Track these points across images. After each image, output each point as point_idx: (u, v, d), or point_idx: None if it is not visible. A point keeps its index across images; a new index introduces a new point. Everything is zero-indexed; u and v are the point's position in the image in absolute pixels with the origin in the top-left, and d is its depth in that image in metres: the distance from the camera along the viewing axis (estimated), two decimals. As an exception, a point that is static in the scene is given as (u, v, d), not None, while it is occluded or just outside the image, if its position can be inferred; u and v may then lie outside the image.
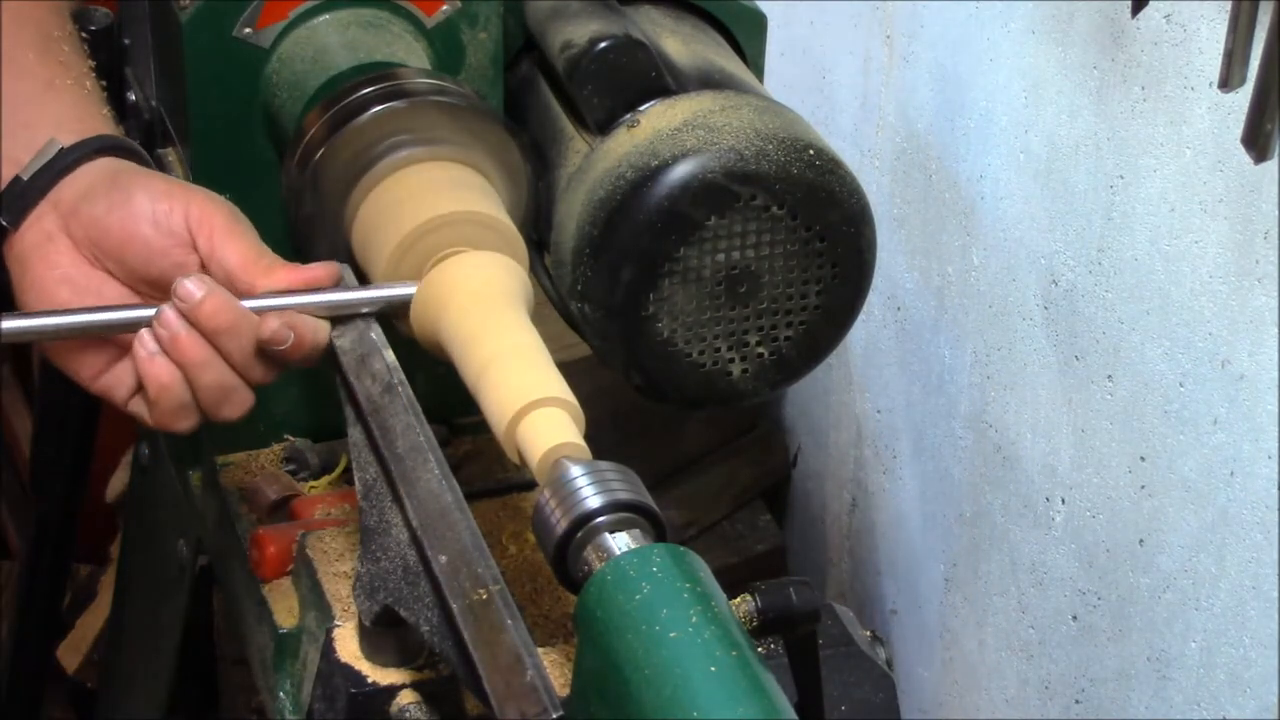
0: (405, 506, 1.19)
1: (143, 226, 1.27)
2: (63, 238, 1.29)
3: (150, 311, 1.25)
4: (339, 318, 1.29)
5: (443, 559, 1.14)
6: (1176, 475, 1.62)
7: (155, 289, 1.29)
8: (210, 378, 1.26)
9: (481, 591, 1.10)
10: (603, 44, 1.45)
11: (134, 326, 1.26)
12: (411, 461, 1.20)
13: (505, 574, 1.12)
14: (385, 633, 1.29)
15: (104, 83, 1.44)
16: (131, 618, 1.94)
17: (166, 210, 1.28)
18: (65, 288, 1.29)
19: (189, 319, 1.24)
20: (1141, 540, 1.68)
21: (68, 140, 1.32)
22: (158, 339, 1.25)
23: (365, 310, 1.29)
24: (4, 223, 1.31)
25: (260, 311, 1.26)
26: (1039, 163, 1.77)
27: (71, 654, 2.56)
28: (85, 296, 1.29)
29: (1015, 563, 1.91)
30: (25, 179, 1.31)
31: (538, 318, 1.30)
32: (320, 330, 1.27)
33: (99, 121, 1.36)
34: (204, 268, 1.27)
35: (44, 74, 1.37)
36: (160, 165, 1.52)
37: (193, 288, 1.24)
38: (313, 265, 1.29)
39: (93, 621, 2.55)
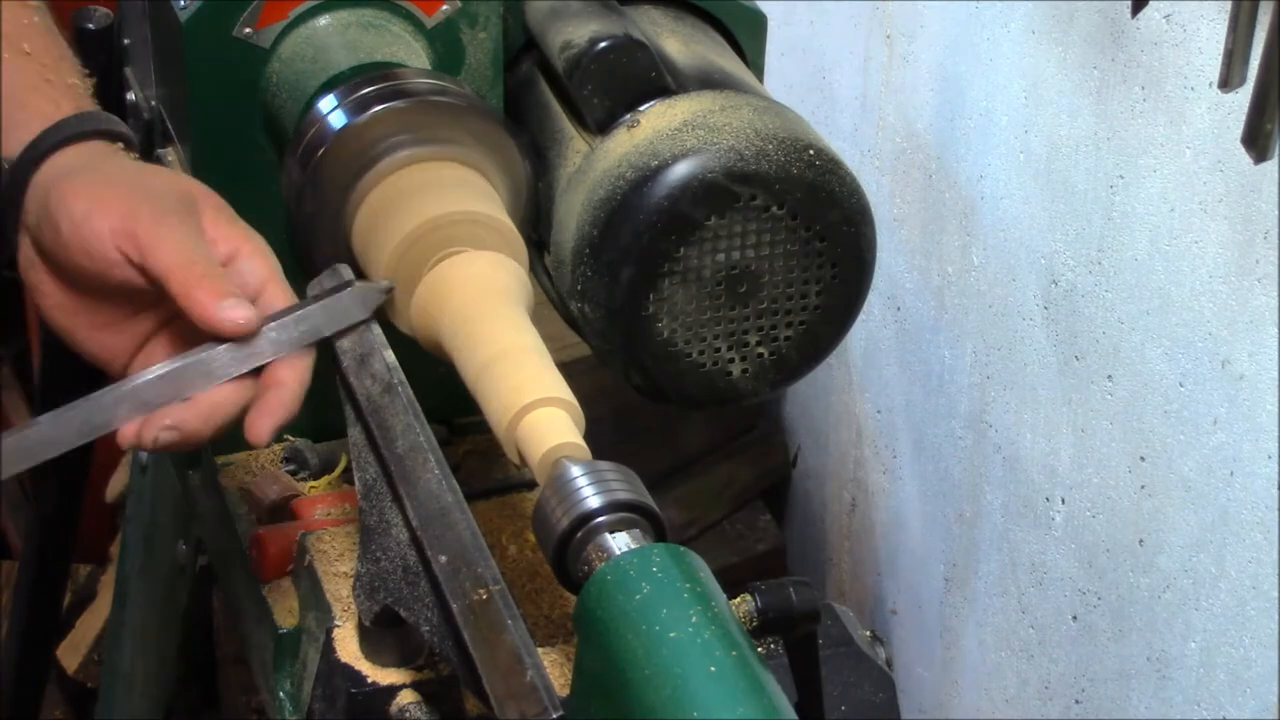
0: (405, 506, 1.19)
1: (76, 258, 1.22)
2: (40, 264, 1.26)
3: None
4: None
5: (443, 559, 1.14)
6: (1176, 475, 1.62)
7: (130, 301, 1.25)
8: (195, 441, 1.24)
9: (481, 591, 1.10)
10: (603, 44, 1.45)
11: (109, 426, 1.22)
12: (411, 461, 1.19)
13: (505, 574, 1.12)
14: (385, 633, 1.29)
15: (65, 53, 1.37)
16: (131, 618, 1.94)
17: (90, 234, 1.21)
18: (59, 313, 1.26)
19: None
20: (1141, 540, 1.68)
21: (15, 142, 1.26)
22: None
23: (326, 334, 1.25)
24: (2, 256, 1.28)
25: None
26: (1039, 163, 1.77)
27: (71, 654, 2.57)
28: (77, 318, 1.26)
29: (1015, 563, 1.91)
30: None
31: (538, 318, 1.30)
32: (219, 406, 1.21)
33: (40, 98, 1.29)
34: (145, 276, 1.22)
35: None
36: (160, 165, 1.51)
37: (169, 439, 1.19)
38: (230, 308, 1.20)
39: (93, 621, 2.55)
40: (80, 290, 1.25)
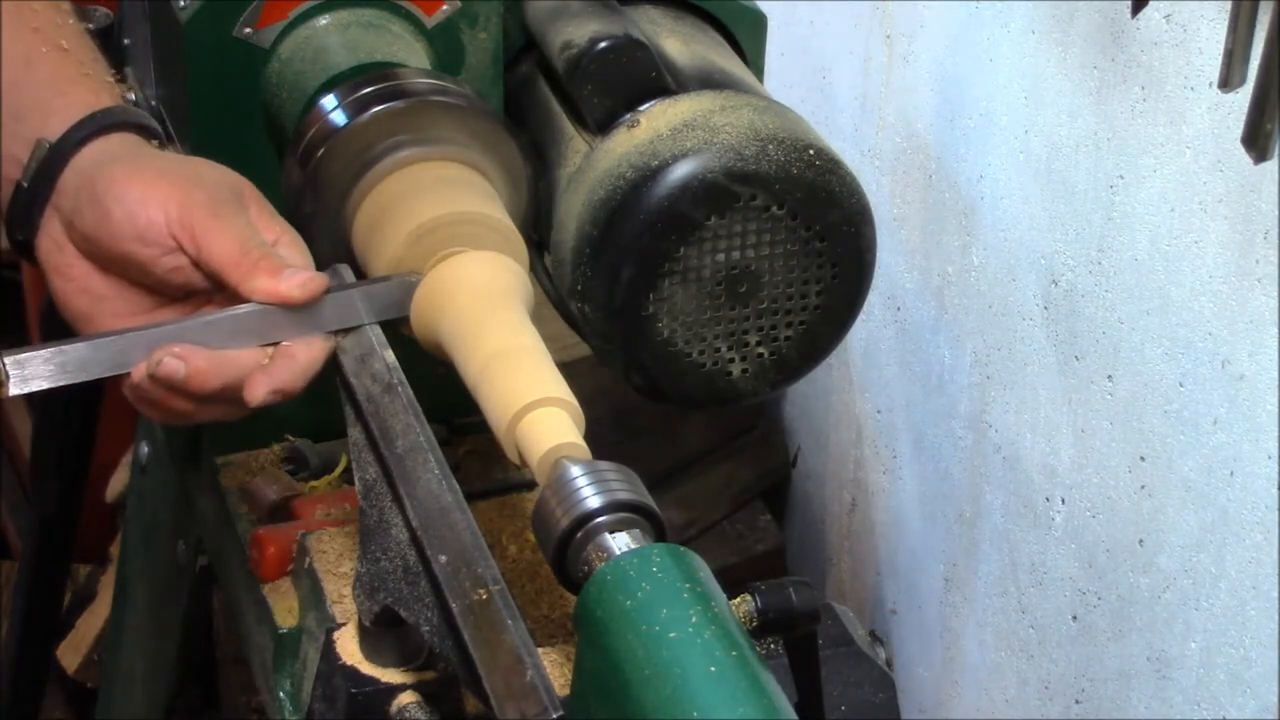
0: (405, 506, 1.19)
1: (127, 244, 1.25)
2: (69, 246, 1.28)
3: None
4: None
5: (443, 559, 1.14)
6: (1176, 475, 1.62)
7: (163, 287, 1.28)
8: (206, 416, 1.27)
9: (481, 591, 1.10)
10: (603, 44, 1.45)
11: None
12: (411, 461, 1.20)
13: (505, 574, 1.12)
14: (385, 633, 1.29)
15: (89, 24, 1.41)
16: (131, 618, 1.94)
17: (145, 222, 1.24)
18: (83, 297, 1.28)
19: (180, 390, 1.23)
20: (1141, 540, 1.68)
21: (55, 126, 1.29)
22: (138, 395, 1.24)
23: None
24: (20, 237, 1.30)
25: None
26: (1039, 163, 1.77)
27: (71, 654, 2.57)
28: (102, 303, 1.28)
29: (1015, 563, 1.91)
30: (26, 185, 1.29)
31: (538, 318, 1.30)
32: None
33: (82, 89, 1.32)
34: (196, 266, 1.26)
35: (20, 49, 1.32)
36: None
37: (173, 367, 1.22)
38: (289, 276, 1.25)
39: (93, 621, 2.56)
40: (115, 276, 1.28)
